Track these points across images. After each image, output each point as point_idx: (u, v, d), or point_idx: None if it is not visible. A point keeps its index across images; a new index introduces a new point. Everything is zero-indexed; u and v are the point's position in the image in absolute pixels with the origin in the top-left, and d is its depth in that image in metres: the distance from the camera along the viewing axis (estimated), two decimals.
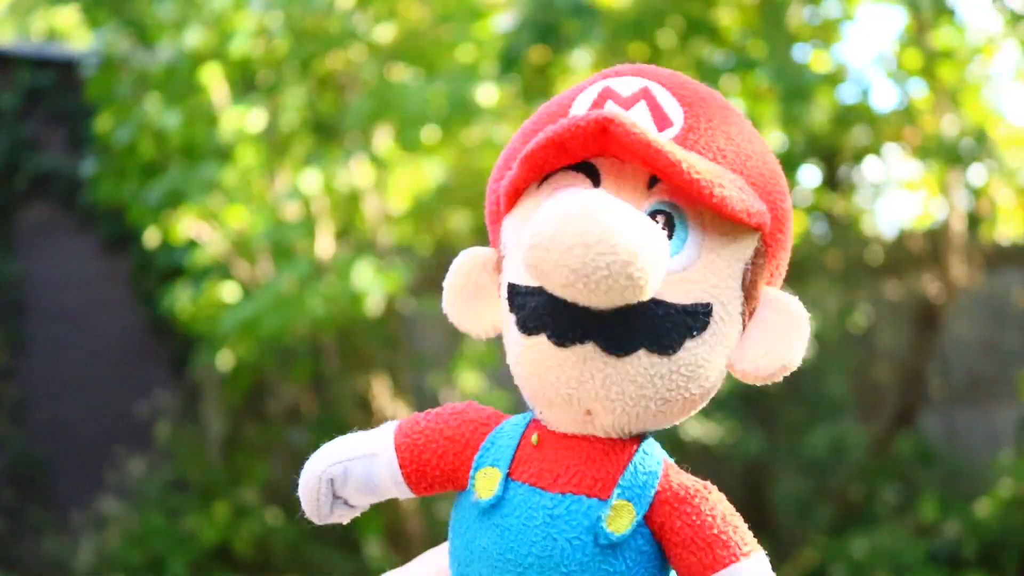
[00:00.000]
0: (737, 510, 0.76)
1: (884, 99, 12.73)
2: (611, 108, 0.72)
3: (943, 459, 5.41)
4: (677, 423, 0.75)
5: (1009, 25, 4.82)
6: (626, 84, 0.74)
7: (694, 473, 0.76)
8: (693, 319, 0.70)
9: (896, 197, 7.40)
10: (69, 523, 5.70)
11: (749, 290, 0.74)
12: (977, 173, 5.18)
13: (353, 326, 4.67)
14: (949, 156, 4.76)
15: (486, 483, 0.73)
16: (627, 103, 0.73)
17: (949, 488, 5.27)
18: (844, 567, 4.66)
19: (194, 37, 4.44)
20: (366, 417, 4.86)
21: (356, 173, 4.62)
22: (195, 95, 4.60)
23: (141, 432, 5.90)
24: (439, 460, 0.75)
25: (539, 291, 0.69)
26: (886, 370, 5.78)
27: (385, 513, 4.81)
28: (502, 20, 5.27)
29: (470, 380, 5.00)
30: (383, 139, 4.68)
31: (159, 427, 5.87)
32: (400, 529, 4.86)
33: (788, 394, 5.56)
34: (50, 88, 6.21)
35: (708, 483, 0.74)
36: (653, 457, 0.72)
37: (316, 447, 0.82)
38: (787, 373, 0.74)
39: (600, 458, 0.71)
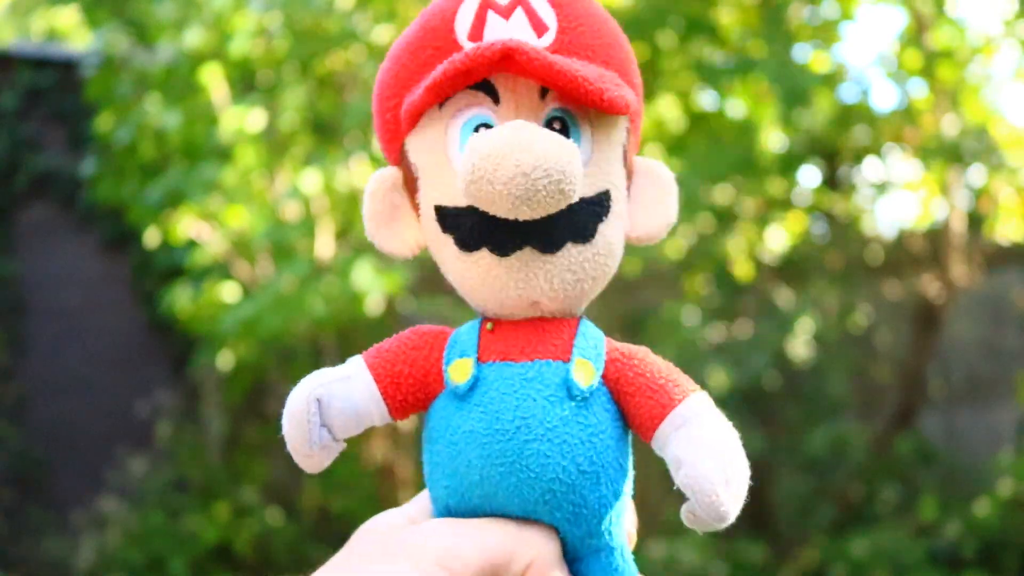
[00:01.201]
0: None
1: (884, 99, 12.74)
2: (505, 31, 0.80)
3: (943, 459, 5.41)
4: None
5: (1009, 26, 4.82)
6: None
7: None
8: (599, 206, 0.80)
9: (896, 197, 7.40)
10: (69, 523, 5.70)
11: (628, 166, 0.84)
12: (977, 173, 5.18)
13: (353, 326, 4.68)
14: (949, 156, 4.76)
15: (460, 371, 0.79)
16: (506, 11, 0.81)
17: (949, 488, 5.26)
18: (844, 567, 4.66)
19: (194, 37, 4.44)
20: None
21: (356, 173, 4.62)
22: (195, 95, 4.60)
23: (141, 432, 5.90)
24: (411, 369, 0.81)
25: (470, 211, 0.78)
26: (886, 370, 5.78)
27: None
28: None
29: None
30: None
31: (159, 427, 5.87)
32: None
33: (788, 394, 5.56)
34: (50, 88, 6.21)
35: (643, 346, 0.83)
36: (594, 329, 0.82)
37: None
38: (670, 228, 0.86)
39: (553, 332, 0.80)
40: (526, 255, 0.77)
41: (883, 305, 5.78)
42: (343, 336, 4.89)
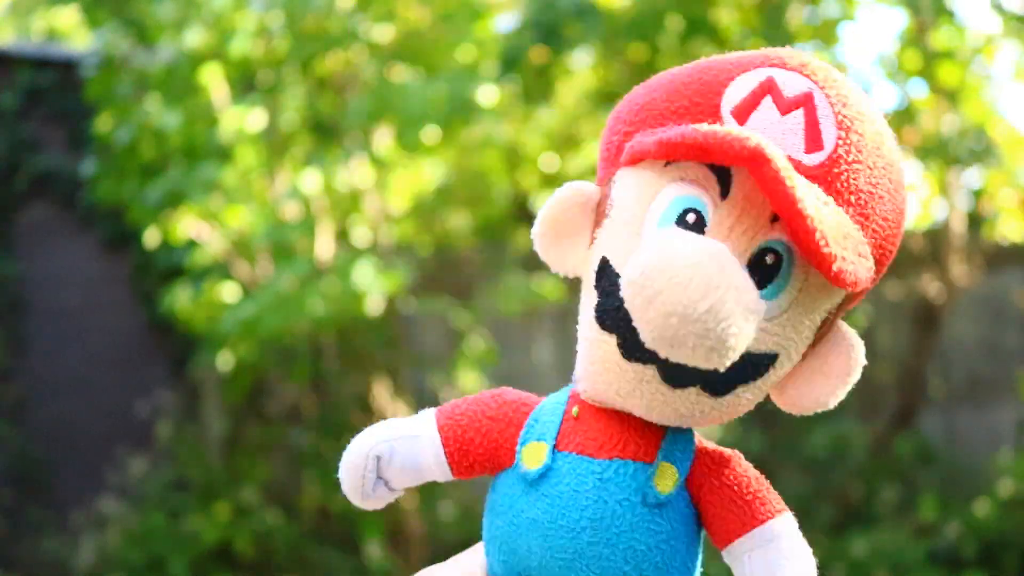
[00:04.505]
0: None
1: (884, 99, 12.73)
2: (773, 128, 0.69)
3: (943, 459, 5.41)
4: None
5: (1009, 26, 4.82)
6: (792, 82, 0.70)
7: None
8: (755, 368, 0.70)
9: None
10: (69, 523, 5.70)
11: (822, 332, 0.73)
12: (977, 173, 5.18)
13: (353, 326, 4.68)
14: (949, 156, 4.76)
15: (533, 455, 0.74)
16: (787, 106, 0.70)
17: (949, 488, 5.27)
18: (844, 567, 4.66)
19: (194, 37, 4.44)
20: (366, 417, 4.87)
21: (356, 173, 4.62)
22: (195, 95, 4.60)
23: (141, 432, 5.90)
24: (483, 439, 0.77)
25: None
26: (886, 370, 5.78)
27: (385, 514, 4.81)
28: (502, 20, 5.27)
29: (470, 380, 5.00)
30: (383, 139, 4.68)
31: (159, 427, 5.87)
32: (400, 530, 4.86)
33: None
34: (50, 88, 6.20)
35: (736, 450, 0.77)
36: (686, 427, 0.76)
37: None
38: (823, 408, 0.75)
39: (640, 427, 0.73)
40: (646, 373, 0.70)
41: (883, 305, 5.78)
42: (343, 336, 4.89)
